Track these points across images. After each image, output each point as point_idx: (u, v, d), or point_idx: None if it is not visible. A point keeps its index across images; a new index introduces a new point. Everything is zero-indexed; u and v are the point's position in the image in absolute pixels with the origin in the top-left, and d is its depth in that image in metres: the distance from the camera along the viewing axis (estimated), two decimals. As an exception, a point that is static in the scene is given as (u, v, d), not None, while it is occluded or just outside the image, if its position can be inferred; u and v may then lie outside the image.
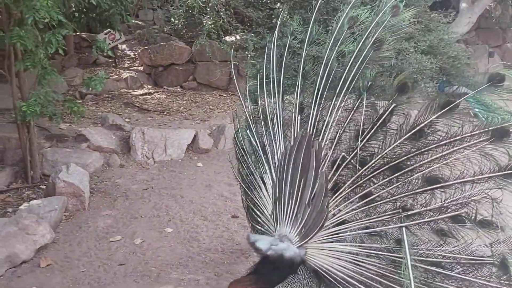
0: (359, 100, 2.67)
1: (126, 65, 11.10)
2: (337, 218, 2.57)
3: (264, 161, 3.01)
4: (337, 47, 2.93)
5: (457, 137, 2.30)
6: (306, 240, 2.41)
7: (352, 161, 2.59)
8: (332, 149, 2.71)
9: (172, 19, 10.62)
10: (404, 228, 2.32)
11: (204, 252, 4.16)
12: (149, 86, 10.25)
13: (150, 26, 11.40)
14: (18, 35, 4.76)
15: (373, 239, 2.54)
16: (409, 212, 2.40)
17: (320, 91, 2.87)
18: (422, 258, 2.33)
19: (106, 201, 5.37)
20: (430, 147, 2.36)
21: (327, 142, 2.73)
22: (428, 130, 2.39)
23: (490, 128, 2.24)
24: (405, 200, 2.43)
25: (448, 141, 2.33)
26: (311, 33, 3.15)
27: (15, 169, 5.95)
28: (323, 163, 2.65)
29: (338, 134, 2.72)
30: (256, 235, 2.58)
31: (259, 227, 2.85)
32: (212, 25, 9.49)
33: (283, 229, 2.47)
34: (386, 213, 2.45)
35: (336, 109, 2.75)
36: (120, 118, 7.79)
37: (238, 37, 9.62)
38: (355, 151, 2.57)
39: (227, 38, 9.61)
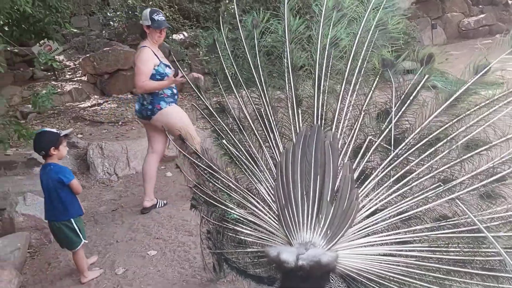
0: (377, 79, 2.45)
1: (68, 76, 10.34)
2: (367, 209, 2.30)
3: (254, 170, 2.70)
4: (330, 33, 2.68)
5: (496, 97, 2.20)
6: (335, 241, 2.10)
7: (382, 143, 2.36)
8: (352, 136, 2.44)
9: (111, 22, 9.94)
10: (457, 200, 2.18)
11: (198, 273, 3.73)
12: (96, 96, 9.58)
13: (88, 32, 10.63)
14: None
15: (410, 223, 2.32)
16: (452, 183, 2.23)
17: (322, 80, 2.59)
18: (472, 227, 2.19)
19: (73, 230, 4.80)
20: (469, 111, 2.23)
21: (344, 130, 2.48)
22: (464, 96, 2.26)
23: None
24: (446, 171, 2.27)
25: (486, 102, 2.22)
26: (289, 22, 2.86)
27: (-39, 207, 5.25)
28: (342, 153, 2.39)
29: (358, 119, 2.46)
30: (275, 247, 2.22)
31: (257, 247, 2.57)
32: (157, 24, 8.94)
33: (302, 236, 2.14)
34: (427, 191, 2.25)
35: (349, 93, 2.51)
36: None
37: (186, 34, 9.13)
38: (385, 131, 2.35)
39: (175, 36, 9.10)
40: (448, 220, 2.22)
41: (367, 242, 2.18)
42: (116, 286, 3.73)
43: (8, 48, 9.55)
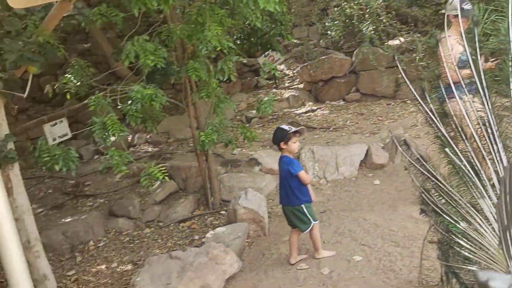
0: None
1: (286, 84, 11.14)
2: None
3: (476, 183, 2.51)
4: None
5: None
6: None
7: None
8: None
9: (329, 31, 10.33)
10: None
11: (404, 285, 3.63)
12: (310, 103, 10.08)
13: (307, 42, 11.27)
14: (192, 68, 4.91)
15: None
16: None
17: None
18: None
19: (285, 226, 5.15)
20: None
21: None
22: None
23: None
24: None
25: None
26: None
27: (197, 196, 6.20)
28: None
29: None
30: (488, 272, 2.02)
31: (474, 266, 2.38)
32: (373, 31, 8.95)
33: None
34: None
35: None
36: (287, 138, 7.69)
37: (402, 39, 8.90)
38: None
39: (391, 42, 8.95)
40: None
41: None
42: (322, 285, 3.90)
43: (239, 59, 10.82)
